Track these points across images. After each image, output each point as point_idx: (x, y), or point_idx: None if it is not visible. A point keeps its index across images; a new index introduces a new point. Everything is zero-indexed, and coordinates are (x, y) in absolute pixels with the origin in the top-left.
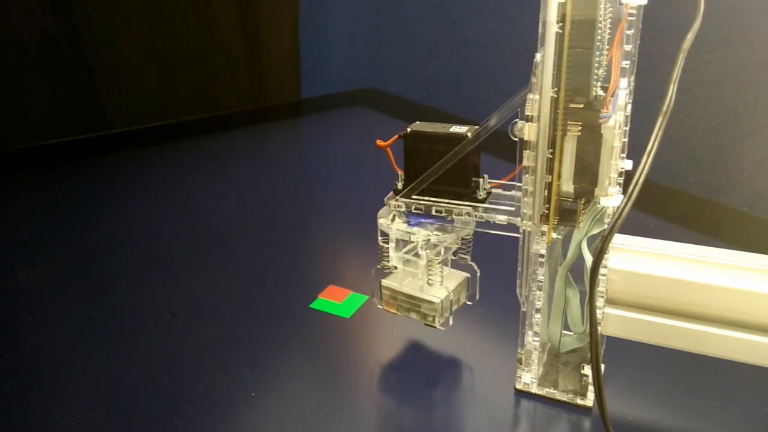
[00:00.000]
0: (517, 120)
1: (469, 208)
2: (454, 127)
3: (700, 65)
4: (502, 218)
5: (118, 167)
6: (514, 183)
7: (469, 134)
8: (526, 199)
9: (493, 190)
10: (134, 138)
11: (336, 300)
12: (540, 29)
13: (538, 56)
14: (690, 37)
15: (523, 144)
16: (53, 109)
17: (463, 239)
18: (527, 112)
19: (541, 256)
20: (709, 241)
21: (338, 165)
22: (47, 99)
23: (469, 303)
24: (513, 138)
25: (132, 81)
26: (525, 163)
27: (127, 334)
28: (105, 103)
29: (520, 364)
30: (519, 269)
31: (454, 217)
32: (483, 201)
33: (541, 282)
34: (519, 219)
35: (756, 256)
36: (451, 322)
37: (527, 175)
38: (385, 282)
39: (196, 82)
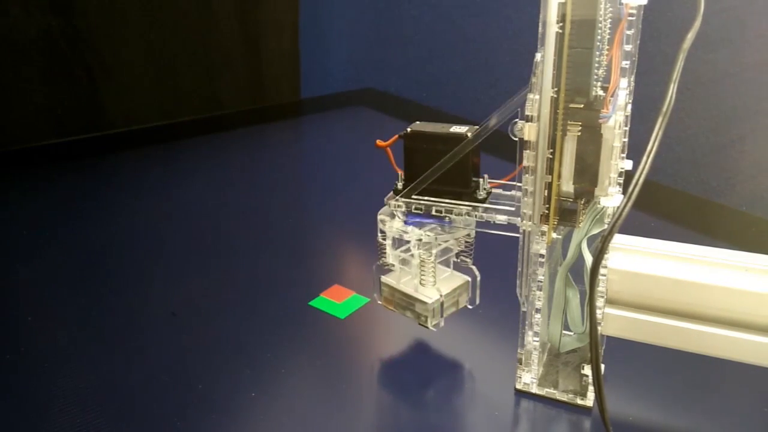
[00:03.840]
0: (517, 120)
1: (469, 207)
2: (454, 127)
3: (700, 65)
4: (501, 218)
5: (118, 167)
6: (514, 183)
7: (468, 134)
8: (526, 199)
9: (493, 190)
10: (134, 138)
11: (336, 300)
12: (540, 29)
13: (538, 56)
14: (690, 37)
15: (523, 144)
16: (53, 109)
17: (465, 242)
18: (527, 112)
19: (541, 256)
20: (709, 241)
21: (338, 165)
22: (47, 99)
23: (470, 307)
24: (513, 138)
25: (132, 81)
26: (525, 162)
27: (127, 334)
28: (105, 103)
29: (520, 364)
30: (519, 269)
31: (454, 216)
32: (483, 201)
33: (541, 282)
34: (519, 219)
35: (756, 256)
36: (442, 324)
37: (527, 175)
38: (384, 279)
39: (195, 82)
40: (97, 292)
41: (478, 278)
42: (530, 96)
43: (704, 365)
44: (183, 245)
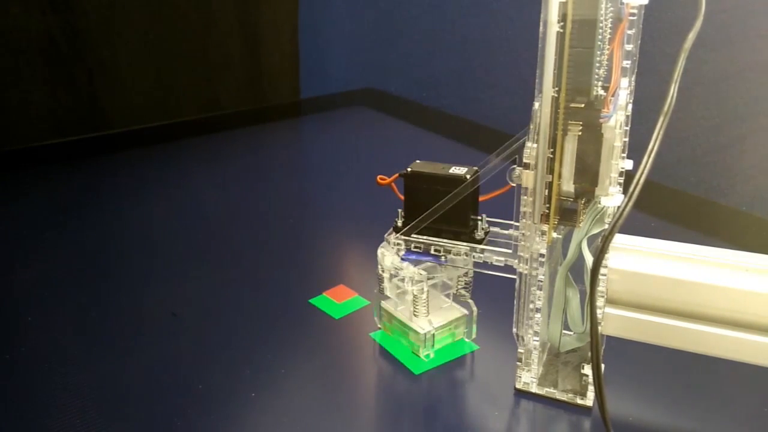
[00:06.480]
0: (515, 166)
1: (467, 248)
2: (453, 168)
3: (700, 65)
4: (499, 259)
5: (118, 167)
6: (511, 222)
7: (467, 176)
8: (523, 242)
9: (492, 230)
10: (134, 138)
11: (336, 300)
12: (541, 29)
13: (536, 105)
14: (691, 36)
15: (521, 190)
16: (53, 109)
17: (464, 281)
18: (525, 160)
19: (542, 255)
20: (709, 241)
21: (338, 165)
22: (47, 99)
23: (467, 340)
24: (511, 184)
25: (131, 81)
26: (522, 208)
27: (127, 334)
28: (105, 103)
29: (520, 364)
30: (515, 307)
31: (452, 256)
32: (481, 241)
33: (542, 282)
34: (515, 261)
35: (756, 256)
36: (432, 355)
37: (524, 220)
38: (383, 304)
39: (195, 82)
40: (97, 292)
41: (475, 312)
42: (528, 144)
43: (704, 365)
44: (183, 245)
